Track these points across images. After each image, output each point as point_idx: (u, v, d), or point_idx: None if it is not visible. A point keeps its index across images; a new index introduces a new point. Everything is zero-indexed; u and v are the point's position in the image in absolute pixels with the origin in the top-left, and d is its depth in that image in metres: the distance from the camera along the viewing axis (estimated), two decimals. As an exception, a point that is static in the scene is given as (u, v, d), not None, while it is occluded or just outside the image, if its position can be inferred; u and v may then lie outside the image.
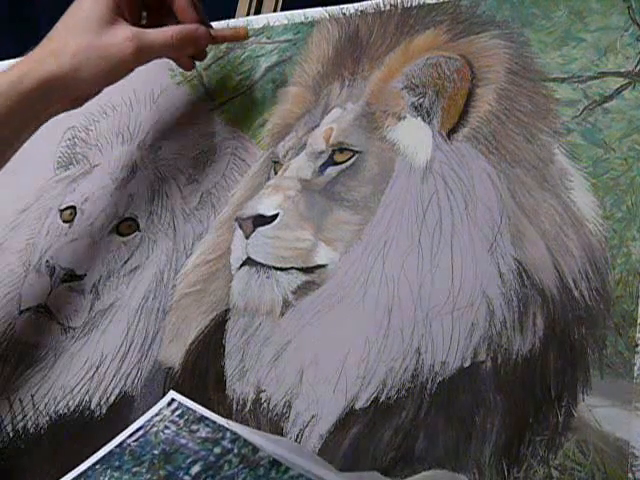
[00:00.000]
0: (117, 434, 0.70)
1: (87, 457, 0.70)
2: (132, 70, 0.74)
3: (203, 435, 0.51)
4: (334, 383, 0.62)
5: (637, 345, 0.54)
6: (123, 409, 0.71)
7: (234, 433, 0.50)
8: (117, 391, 0.72)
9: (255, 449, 0.49)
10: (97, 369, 0.73)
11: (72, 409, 0.73)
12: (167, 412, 0.54)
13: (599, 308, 0.56)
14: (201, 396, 0.67)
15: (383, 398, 0.60)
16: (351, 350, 0.62)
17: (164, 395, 0.69)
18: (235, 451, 0.49)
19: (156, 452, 0.51)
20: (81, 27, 0.70)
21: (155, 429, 0.53)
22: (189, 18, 0.75)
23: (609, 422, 0.53)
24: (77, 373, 0.74)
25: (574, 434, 0.53)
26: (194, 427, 0.52)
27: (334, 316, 0.64)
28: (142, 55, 0.73)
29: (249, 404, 0.65)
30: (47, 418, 0.74)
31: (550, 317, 0.57)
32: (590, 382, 0.54)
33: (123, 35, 0.71)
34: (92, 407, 0.72)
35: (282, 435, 0.62)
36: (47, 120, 0.73)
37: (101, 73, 0.72)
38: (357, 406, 0.60)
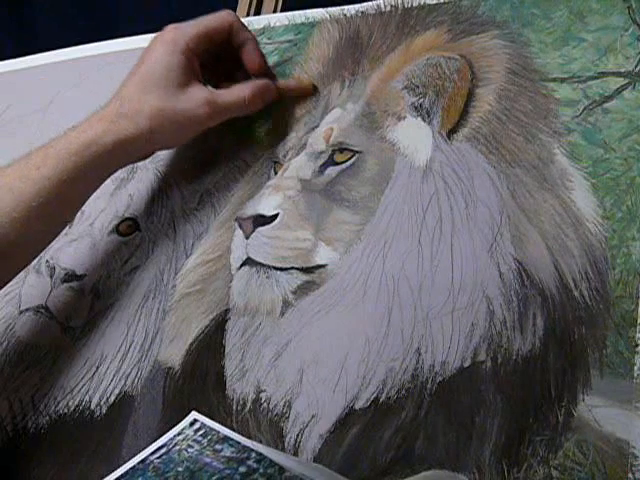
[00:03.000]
0: (117, 434, 0.70)
1: (87, 457, 0.70)
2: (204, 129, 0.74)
3: (227, 454, 0.52)
4: (334, 383, 0.62)
5: (637, 345, 0.54)
6: (123, 409, 0.71)
7: (259, 453, 0.51)
8: (117, 391, 0.72)
9: (281, 469, 0.50)
10: (97, 369, 0.73)
11: (72, 409, 0.73)
12: (190, 432, 0.55)
13: (599, 308, 0.56)
14: (201, 396, 0.67)
15: (383, 398, 0.60)
16: (351, 350, 0.62)
17: (164, 395, 0.70)
18: (261, 471, 0.50)
19: (180, 469, 0.51)
20: (156, 89, 0.70)
21: (178, 447, 0.53)
22: (258, 71, 0.76)
23: (609, 422, 0.53)
24: (77, 373, 0.74)
25: (574, 434, 0.53)
26: (218, 447, 0.53)
27: (334, 316, 0.64)
28: (216, 118, 0.73)
29: (249, 404, 0.65)
30: (47, 418, 0.74)
31: (550, 317, 0.57)
32: (590, 382, 0.54)
33: (198, 100, 0.71)
34: (92, 407, 0.72)
35: (282, 435, 0.62)
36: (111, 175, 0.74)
37: (175, 135, 0.73)
38: (357, 406, 0.60)
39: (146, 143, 0.72)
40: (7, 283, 0.71)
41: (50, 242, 0.73)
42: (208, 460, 0.51)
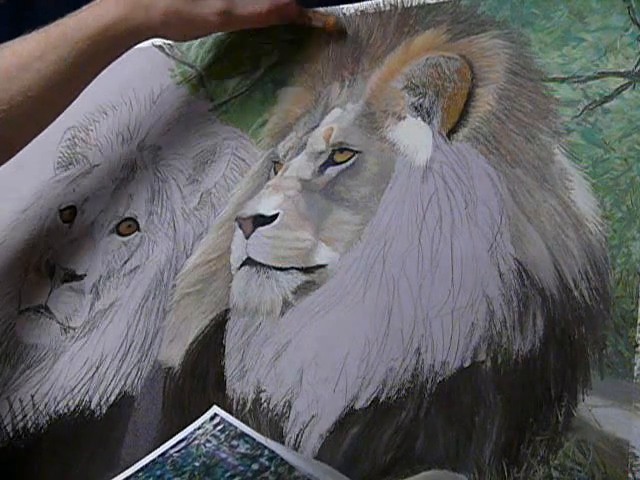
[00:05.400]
0: (117, 434, 0.70)
1: (87, 457, 0.71)
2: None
3: (242, 451, 0.53)
4: (334, 383, 0.62)
5: (637, 345, 0.54)
6: (123, 409, 0.71)
7: (272, 451, 0.52)
8: (117, 391, 0.72)
9: (291, 468, 0.50)
10: (97, 369, 0.73)
11: (72, 409, 0.73)
12: (209, 426, 0.56)
13: (599, 308, 0.56)
14: (201, 396, 0.67)
15: (383, 398, 0.60)
16: (351, 350, 0.62)
17: (164, 395, 0.70)
18: (272, 469, 0.51)
19: (197, 464, 0.52)
20: None
21: (197, 442, 0.54)
22: None
23: (609, 422, 0.53)
24: (77, 373, 0.74)
25: (574, 434, 0.53)
26: (234, 442, 0.54)
27: (334, 316, 0.64)
28: (228, 27, 0.77)
29: (249, 404, 0.65)
30: (47, 418, 0.74)
31: (550, 317, 0.57)
32: (590, 382, 0.54)
33: (214, 8, 0.73)
34: (92, 407, 0.72)
35: (282, 435, 0.62)
36: None
37: (184, 34, 0.76)
38: (357, 406, 0.60)
39: (154, 33, 0.75)
40: (17, 153, 0.74)
41: (56, 118, 0.76)
42: (224, 456, 0.52)
